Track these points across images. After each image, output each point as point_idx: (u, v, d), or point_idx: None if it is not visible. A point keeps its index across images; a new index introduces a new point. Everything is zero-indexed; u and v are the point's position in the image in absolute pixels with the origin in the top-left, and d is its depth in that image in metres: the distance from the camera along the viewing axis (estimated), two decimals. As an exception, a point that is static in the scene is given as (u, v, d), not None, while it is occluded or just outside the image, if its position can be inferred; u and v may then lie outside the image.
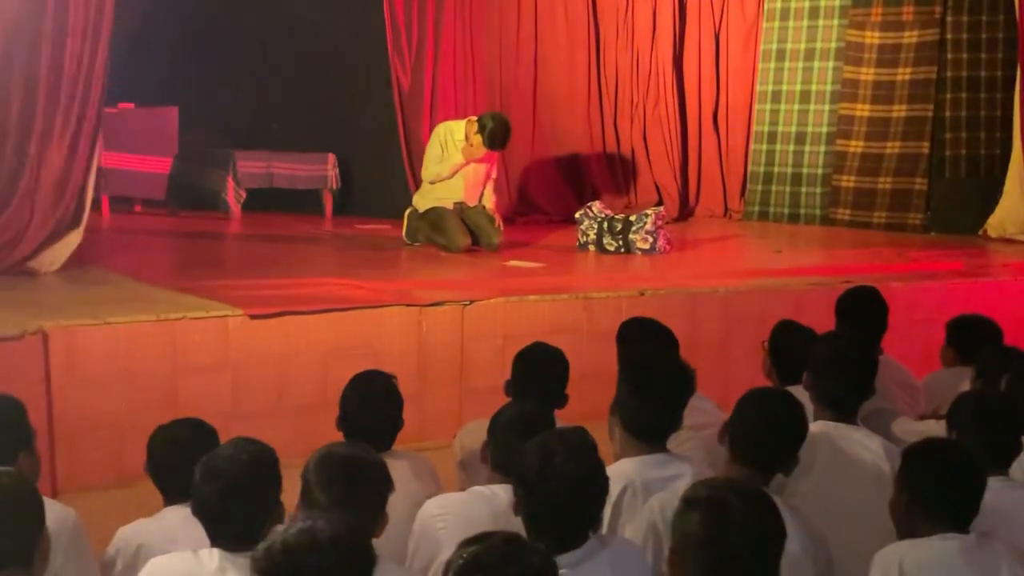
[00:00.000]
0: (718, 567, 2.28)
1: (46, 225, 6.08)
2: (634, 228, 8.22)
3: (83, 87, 6.14)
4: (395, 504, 2.70)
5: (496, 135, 7.95)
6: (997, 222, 9.44)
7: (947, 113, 9.95)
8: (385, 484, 2.70)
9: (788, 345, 4.22)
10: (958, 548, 2.76)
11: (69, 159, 6.12)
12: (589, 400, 4.07)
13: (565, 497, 2.61)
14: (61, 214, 6.13)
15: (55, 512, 2.81)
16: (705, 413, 3.91)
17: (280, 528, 2.19)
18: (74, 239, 6.24)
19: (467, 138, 8.00)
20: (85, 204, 6.27)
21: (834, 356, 3.69)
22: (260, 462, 2.78)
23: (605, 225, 8.28)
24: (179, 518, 3.02)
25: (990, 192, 9.55)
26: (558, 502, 2.61)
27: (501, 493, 3.06)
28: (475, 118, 8.14)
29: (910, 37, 10.04)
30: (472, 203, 8.19)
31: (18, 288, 5.69)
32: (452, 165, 8.02)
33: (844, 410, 3.60)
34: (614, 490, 3.14)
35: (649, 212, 8.36)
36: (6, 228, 6.01)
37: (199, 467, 2.80)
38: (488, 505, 2.88)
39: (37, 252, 6.09)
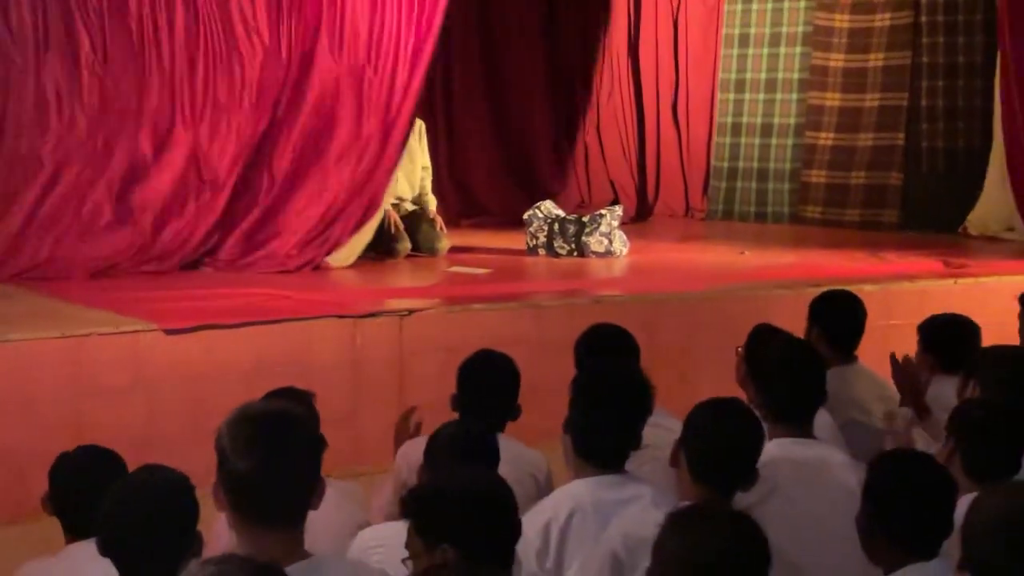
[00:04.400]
0: None
1: (348, 225, 7.34)
2: (588, 230, 8.23)
3: (397, 103, 7.35)
4: (318, 538, 2.66)
5: None
6: (978, 219, 9.56)
7: (923, 102, 10.07)
8: (316, 441, 2.62)
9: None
10: None
11: (371, 169, 7.36)
12: (540, 417, 4.05)
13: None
14: (360, 216, 7.37)
15: (-54, 552, 2.77)
16: (668, 431, 3.90)
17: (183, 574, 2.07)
18: (365, 237, 7.48)
19: None
20: (378, 205, 7.47)
21: (778, 364, 3.72)
22: (173, 490, 2.75)
23: (556, 227, 8.29)
24: (85, 556, 2.96)
25: (970, 187, 9.67)
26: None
27: None
28: None
29: (882, 20, 10.15)
30: (408, 196, 8.14)
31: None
32: None
33: (797, 422, 3.61)
34: (561, 514, 3.14)
35: (604, 212, 8.38)
36: (310, 229, 7.23)
37: (107, 499, 2.76)
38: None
39: (334, 250, 7.32)
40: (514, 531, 2.67)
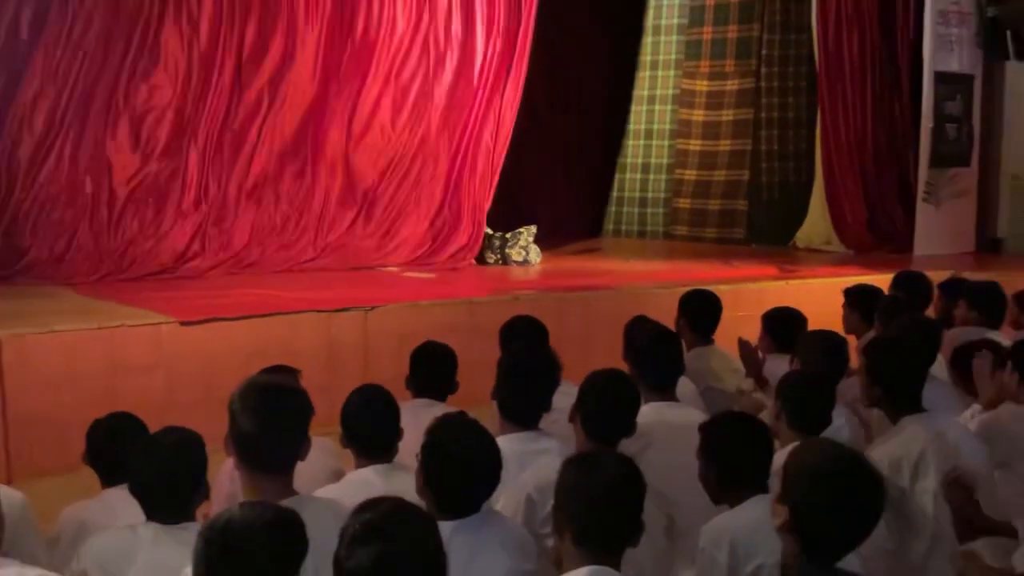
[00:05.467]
0: (590, 510, 2.34)
1: (465, 230, 7.98)
2: (510, 243, 8.25)
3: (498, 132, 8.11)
4: (301, 479, 2.64)
5: None
6: (804, 235, 9.73)
7: (763, 147, 10.22)
8: (306, 409, 2.60)
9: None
10: (766, 508, 2.79)
11: (484, 187, 8.08)
12: (473, 388, 4.05)
13: (470, 471, 2.58)
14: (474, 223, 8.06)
15: (5, 495, 2.72)
16: (571, 397, 3.92)
17: (227, 509, 2.11)
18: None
19: None
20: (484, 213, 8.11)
21: (648, 345, 3.76)
22: (189, 446, 2.72)
23: (485, 241, 8.30)
24: (117, 498, 2.94)
25: (798, 211, 9.83)
26: (464, 475, 2.57)
27: (372, 476, 3.01)
28: None
29: (732, 85, 10.28)
30: None
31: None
32: None
33: (664, 389, 3.64)
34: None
35: (522, 230, 8.41)
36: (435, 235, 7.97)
37: (135, 452, 2.73)
38: (364, 489, 2.81)
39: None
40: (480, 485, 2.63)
